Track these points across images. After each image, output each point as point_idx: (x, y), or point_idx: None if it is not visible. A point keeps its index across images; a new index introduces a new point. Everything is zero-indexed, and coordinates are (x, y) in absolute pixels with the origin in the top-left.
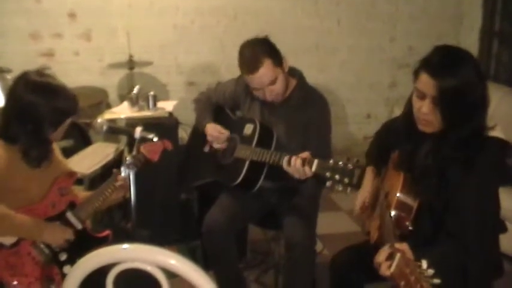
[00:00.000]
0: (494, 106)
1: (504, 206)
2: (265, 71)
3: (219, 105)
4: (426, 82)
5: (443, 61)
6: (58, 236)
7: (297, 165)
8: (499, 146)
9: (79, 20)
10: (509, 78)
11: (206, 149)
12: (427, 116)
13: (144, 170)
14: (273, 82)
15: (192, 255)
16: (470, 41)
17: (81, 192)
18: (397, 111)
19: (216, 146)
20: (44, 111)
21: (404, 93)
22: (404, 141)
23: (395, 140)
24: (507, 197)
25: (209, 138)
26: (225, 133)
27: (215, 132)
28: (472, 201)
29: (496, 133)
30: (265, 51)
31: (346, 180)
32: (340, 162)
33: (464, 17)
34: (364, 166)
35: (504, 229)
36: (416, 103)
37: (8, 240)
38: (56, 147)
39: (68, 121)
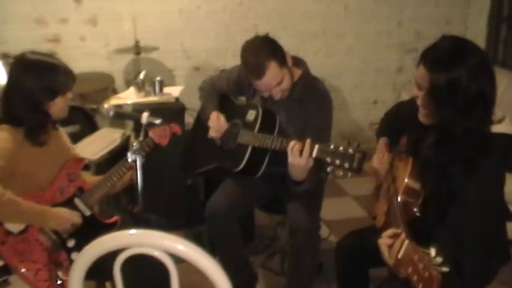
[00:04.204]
0: (502, 92)
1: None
2: (272, 73)
3: (223, 93)
4: (422, 74)
5: (440, 55)
6: (64, 220)
7: (295, 149)
8: (504, 145)
9: (85, 5)
10: None
11: (210, 135)
12: (422, 108)
13: (151, 155)
14: (280, 83)
15: (198, 240)
16: (478, 26)
17: (89, 177)
18: (405, 97)
19: (212, 133)
20: (37, 87)
21: (411, 78)
22: (411, 128)
23: (404, 125)
24: None
25: (209, 124)
26: (225, 125)
27: (216, 120)
28: (475, 202)
29: (503, 127)
30: (268, 53)
31: (346, 165)
32: (341, 148)
33: (472, 2)
34: (365, 151)
35: (511, 217)
36: (414, 92)
37: (16, 228)
38: (64, 133)
39: (69, 95)
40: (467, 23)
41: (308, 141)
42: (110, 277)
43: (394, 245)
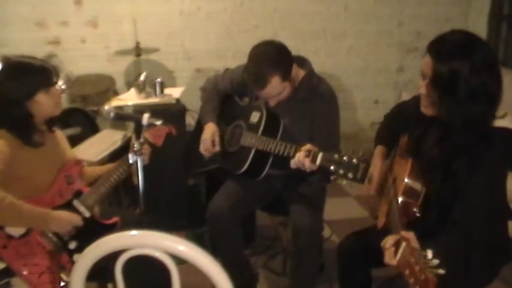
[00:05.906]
0: (503, 91)
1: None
2: (273, 87)
3: (227, 92)
4: (427, 63)
5: (447, 46)
6: (65, 223)
7: (300, 158)
8: (506, 139)
9: (85, 7)
10: None
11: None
12: (424, 97)
13: (152, 156)
14: (280, 93)
15: (199, 241)
16: (478, 25)
17: (95, 168)
18: (405, 96)
19: (202, 151)
20: (12, 87)
21: (412, 77)
22: (413, 125)
23: (405, 124)
24: None
25: (201, 140)
26: (216, 147)
27: (209, 142)
28: (478, 196)
29: (506, 122)
30: (272, 65)
31: (350, 175)
32: (345, 157)
33: (472, 1)
34: (369, 160)
35: None
36: (419, 82)
37: (18, 231)
38: (62, 136)
39: (54, 91)
40: (467, 22)
41: (312, 149)
42: (111, 278)
43: (391, 246)
